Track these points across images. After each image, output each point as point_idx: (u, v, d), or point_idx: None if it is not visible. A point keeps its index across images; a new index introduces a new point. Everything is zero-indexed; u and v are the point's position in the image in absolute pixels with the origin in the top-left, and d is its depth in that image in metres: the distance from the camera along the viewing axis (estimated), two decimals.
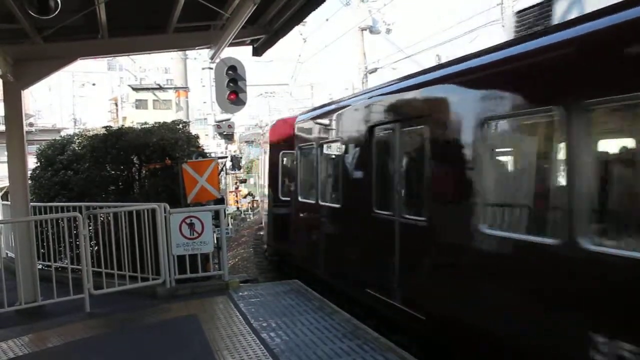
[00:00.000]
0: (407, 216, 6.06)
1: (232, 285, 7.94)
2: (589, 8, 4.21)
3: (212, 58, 9.27)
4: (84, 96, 64.99)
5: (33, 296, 7.02)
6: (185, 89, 20.55)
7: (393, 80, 7.08)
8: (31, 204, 8.16)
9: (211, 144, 20.11)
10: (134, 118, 34.79)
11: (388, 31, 20.63)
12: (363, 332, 5.78)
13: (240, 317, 6.44)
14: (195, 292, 7.66)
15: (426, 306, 5.59)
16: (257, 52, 9.25)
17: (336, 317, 6.36)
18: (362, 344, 5.38)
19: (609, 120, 4.03)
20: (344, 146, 7.73)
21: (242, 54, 10.31)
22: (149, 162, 9.06)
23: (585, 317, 3.76)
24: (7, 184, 8.09)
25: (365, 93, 7.79)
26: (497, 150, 5.03)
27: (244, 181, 31.49)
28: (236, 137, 30.40)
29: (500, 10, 15.54)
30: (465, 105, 5.13)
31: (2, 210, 10.67)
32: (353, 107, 7.75)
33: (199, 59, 22.01)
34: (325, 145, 8.77)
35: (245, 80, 10.15)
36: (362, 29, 20.42)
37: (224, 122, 19.15)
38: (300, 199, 9.80)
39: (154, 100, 42.53)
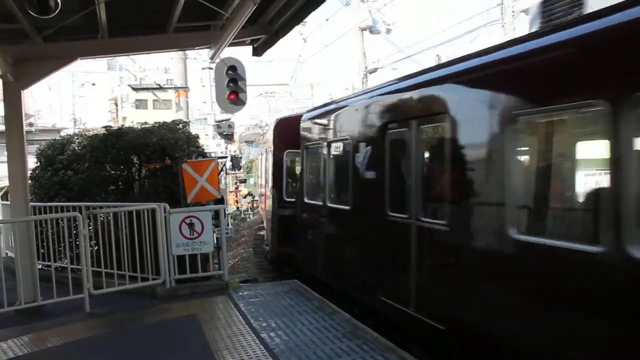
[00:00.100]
0: (425, 219, 5.64)
1: (232, 285, 7.94)
2: None
3: (212, 58, 9.27)
4: (83, 96, 64.94)
5: (33, 296, 7.02)
6: (185, 89, 20.56)
7: (409, 75, 6.67)
8: (31, 203, 8.17)
9: (211, 144, 20.12)
10: (134, 118, 34.77)
11: (388, 31, 20.67)
12: (363, 332, 5.79)
13: (240, 317, 6.44)
14: (195, 292, 7.66)
15: (447, 316, 5.19)
16: (257, 52, 9.26)
17: (336, 317, 6.36)
18: (362, 343, 5.37)
19: None
20: (354, 145, 7.29)
21: (242, 54, 10.33)
22: (148, 162, 9.06)
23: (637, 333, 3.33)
24: (7, 184, 8.08)
25: (377, 89, 7.32)
26: (528, 148, 4.66)
27: (243, 181, 31.50)
28: (236, 137, 30.41)
29: (500, 10, 15.53)
30: (492, 100, 4.73)
31: (2, 210, 10.67)
32: (365, 103, 7.32)
33: (199, 59, 22.03)
34: (333, 144, 8.34)
35: (245, 80, 10.15)
36: (362, 29, 20.44)
37: (224, 122, 19.16)
38: (306, 200, 9.37)
39: (154, 100, 42.51)
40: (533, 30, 5.18)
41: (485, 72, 4.97)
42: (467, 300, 4.90)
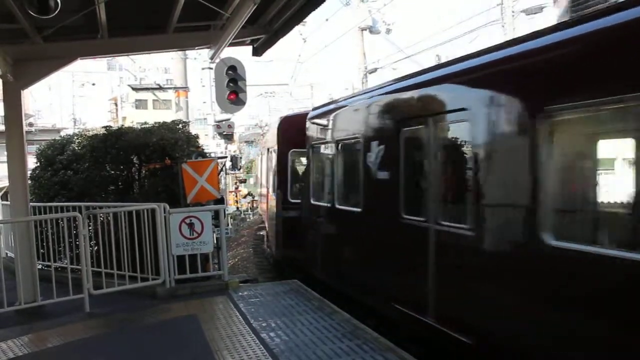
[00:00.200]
0: (446, 223, 5.26)
1: (231, 285, 7.94)
2: None
3: (212, 58, 9.27)
4: (83, 96, 64.93)
5: (33, 296, 7.02)
6: (185, 89, 20.57)
7: (426, 69, 6.34)
8: (31, 204, 8.17)
9: (211, 144, 20.13)
10: (134, 118, 34.79)
11: (388, 31, 20.70)
12: (362, 332, 5.78)
13: (240, 317, 6.44)
14: (195, 292, 7.66)
15: (473, 329, 4.78)
16: (257, 52, 9.26)
17: (336, 317, 6.36)
18: (362, 343, 5.37)
19: None
20: (365, 143, 6.90)
21: (242, 54, 10.33)
22: (148, 162, 9.06)
23: None
24: (7, 184, 8.08)
25: (390, 84, 6.93)
26: (564, 145, 4.21)
27: (243, 181, 31.52)
28: (236, 137, 30.43)
29: (500, 10, 15.54)
30: (525, 93, 4.33)
31: (1, 210, 10.66)
32: (377, 100, 6.93)
33: (199, 59, 22.04)
34: (343, 143, 7.93)
35: (245, 80, 10.14)
36: (362, 29, 20.46)
37: (223, 122, 19.18)
38: (313, 201, 8.99)
39: (153, 100, 42.53)
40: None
41: (514, 64, 4.60)
42: (495, 312, 4.54)
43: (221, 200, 8.77)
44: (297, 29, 18.95)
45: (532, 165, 4.15)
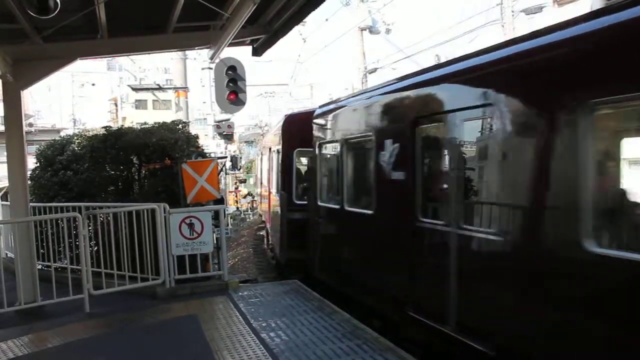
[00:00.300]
0: (469, 227, 4.90)
1: (231, 285, 7.94)
2: None
3: (211, 58, 9.27)
4: (83, 96, 64.97)
5: (33, 296, 7.01)
6: (185, 89, 20.58)
7: (444, 63, 5.92)
8: (31, 204, 8.17)
9: (211, 144, 20.18)
10: (134, 118, 34.82)
11: (388, 31, 20.70)
12: (362, 332, 5.79)
13: (239, 317, 6.43)
14: (195, 292, 7.66)
15: (497, 339, 4.47)
16: (257, 52, 9.26)
17: (336, 317, 6.36)
18: (362, 343, 5.37)
19: None
20: (378, 141, 6.54)
21: (242, 53, 10.32)
22: (148, 162, 9.06)
23: None
24: (7, 184, 8.08)
25: (404, 79, 6.57)
26: (613, 143, 3.81)
27: (243, 181, 31.53)
28: (236, 137, 30.47)
29: (500, 10, 15.55)
30: (559, 86, 3.96)
31: (1, 211, 10.66)
32: (391, 96, 6.60)
33: (199, 59, 22.09)
34: (352, 141, 7.57)
35: (244, 80, 10.13)
36: (362, 29, 20.47)
37: (223, 122, 19.20)
38: (320, 203, 8.59)
39: (153, 101, 42.52)
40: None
41: (550, 54, 4.19)
42: (524, 323, 4.22)
43: (221, 201, 8.77)
44: (297, 29, 19.01)
45: (573, 165, 3.76)
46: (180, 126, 9.81)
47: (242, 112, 12.73)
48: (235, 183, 30.60)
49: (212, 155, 11.44)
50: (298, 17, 7.81)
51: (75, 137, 10.29)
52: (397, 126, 6.26)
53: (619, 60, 3.55)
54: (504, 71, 4.69)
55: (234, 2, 6.78)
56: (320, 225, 8.74)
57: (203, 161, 8.56)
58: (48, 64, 7.65)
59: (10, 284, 6.87)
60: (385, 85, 7.09)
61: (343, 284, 7.73)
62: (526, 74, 4.39)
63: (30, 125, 40.05)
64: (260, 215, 20.21)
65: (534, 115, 4.22)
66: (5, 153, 7.37)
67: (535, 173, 4.20)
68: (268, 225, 14.59)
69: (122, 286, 7.46)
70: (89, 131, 10.68)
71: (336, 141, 8.13)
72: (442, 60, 12.04)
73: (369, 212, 6.80)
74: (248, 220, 27.02)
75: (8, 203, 8.76)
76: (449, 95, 5.36)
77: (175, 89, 21.04)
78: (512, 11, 15.54)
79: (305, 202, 9.62)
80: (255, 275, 12.74)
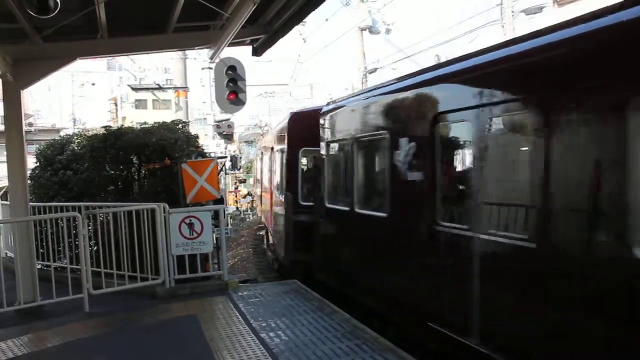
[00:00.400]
0: (496, 233, 4.52)
1: (231, 285, 7.94)
2: None
3: (211, 58, 9.27)
4: (83, 96, 64.95)
5: (32, 296, 7.01)
6: (185, 89, 20.57)
7: (471, 53, 5.33)
8: (30, 203, 8.17)
9: (211, 144, 20.19)
10: (134, 118, 34.78)
11: (388, 31, 20.71)
12: (362, 332, 5.78)
13: (239, 317, 6.44)
14: (195, 292, 7.66)
15: (525, 352, 4.19)
16: (257, 52, 9.26)
17: (335, 317, 6.36)
18: (362, 343, 5.37)
19: None
20: (392, 140, 6.18)
21: (242, 54, 10.32)
22: (148, 162, 9.06)
23: None
24: (7, 184, 8.08)
25: (422, 74, 6.19)
26: None
27: (243, 181, 31.55)
28: (236, 137, 30.49)
29: (500, 10, 15.56)
30: (617, 78, 3.55)
31: (1, 210, 10.66)
32: (407, 91, 6.20)
33: (199, 58, 22.12)
34: (364, 140, 7.19)
35: (244, 80, 10.12)
36: (362, 29, 20.48)
37: (223, 122, 19.22)
38: (328, 204, 8.24)
39: (153, 100, 42.55)
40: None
41: (603, 37, 3.75)
42: (557, 338, 3.88)
43: (221, 200, 8.77)
44: (297, 29, 19.00)
45: (621, 165, 3.43)
46: (180, 126, 9.81)
47: (242, 112, 12.73)
48: (235, 183, 30.63)
49: (212, 155, 11.43)
50: (298, 17, 7.81)
51: (75, 137, 10.30)
52: (414, 123, 5.88)
53: None
54: (540, 62, 4.17)
55: (234, 2, 6.78)
56: (327, 228, 8.44)
57: (203, 161, 8.56)
58: (48, 63, 7.65)
59: (9, 284, 6.87)
60: (401, 80, 6.68)
61: (349, 287, 7.55)
62: (571, 64, 3.87)
63: (30, 124, 40.08)
64: (260, 216, 20.20)
65: (574, 112, 3.82)
66: (5, 153, 7.37)
67: (580, 173, 3.76)
68: (270, 227, 14.50)
69: (122, 286, 7.46)
70: (88, 131, 10.67)
71: (346, 140, 7.75)
72: (442, 60, 11.98)
73: (383, 214, 6.43)
74: (248, 220, 27.05)
75: (8, 202, 8.76)
76: (478, 88, 4.87)
77: (175, 88, 21.04)
78: (512, 11, 15.55)
79: (312, 204, 9.31)
80: (255, 275, 12.75)
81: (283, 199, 10.67)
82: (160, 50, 10.10)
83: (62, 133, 26.53)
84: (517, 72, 4.47)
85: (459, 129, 5.27)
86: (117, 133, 9.34)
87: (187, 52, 19.70)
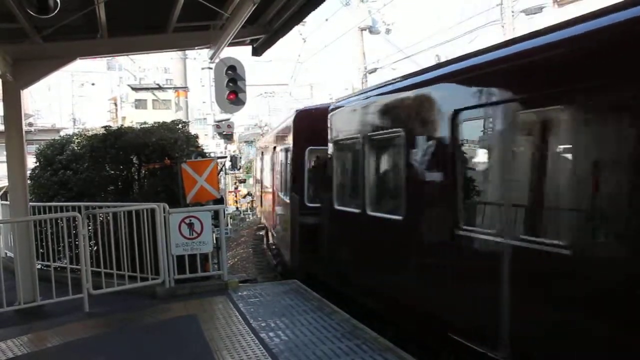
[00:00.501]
0: (528, 238, 4.15)
1: (231, 285, 7.94)
2: None
3: (211, 58, 9.27)
4: (83, 96, 64.93)
5: (32, 296, 7.01)
6: (185, 88, 20.57)
7: (495, 45, 4.99)
8: (30, 203, 8.17)
9: (210, 143, 20.20)
10: (134, 118, 34.77)
11: (388, 31, 20.72)
12: (362, 332, 5.78)
13: (239, 317, 6.43)
14: (195, 292, 7.66)
15: None
16: (257, 52, 9.26)
17: (335, 317, 6.36)
18: (361, 343, 5.37)
19: None
20: (408, 138, 5.83)
21: (242, 53, 10.32)
22: (148, 162, 9.06)
23: None
24: (7, 184, 8.08)
25: (442, 67, 5.86)
26: None
27: (243, 181, 31.55)
28: (235, 137, 30.49)
29: (500, 10, 15.56)
30: None
31: (1, 210, 10.66)
32: (425, 86, 5.84)
33: (199, 58, 22.11)
34: (376, 138, 6.83)
35: (244, 80, 10.12)
36: (362, 29, 20.48)
37: (223, 122, 19.22)
38: (337, 206, 7.94)
39: (153, 100, 42.57)
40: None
41: None
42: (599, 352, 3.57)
43: (221, 200, 8.77)
44: (297, 29, 19.00)
45: None
46: (180, 126, 9.82)
47: (242, 112, 12.72)
48: (235, 183, 30.63)
49: (212, 155, 11.43)
50: (298, 17, 7.81)
51: (75, 137, 10.30)
52: (431, 120, 5.47)
53: None
54: (574, 52, 3.85)
55: (233, 2, 6.78)
56: (336, 231, 8.16)
57: (203, 161, 8.56)
58: (48, 63, 7.65)
59: (9, 284, 6.87)
60: (416, 75, 6.31)
61: (356, 291, 7.32)
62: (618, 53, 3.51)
63: (30, 124, 40.08)
64: (259, 217, 20.18)
65: (623, 107, 3.48)
66: (5, 152, 7.37)
67: (623, 175, 3.43)
68: (271, 230, 14.32)
69: (122, 286, 7.46)
70: (88, 131, 10.67)
71: (356, 138, 7.35)
72: (442, 60, 11.96)
73: (398, 217, 6.05)
74: (247, 220, 27.04)
75: (8, 202, 8.76)
76: (503, 83, 4.57)
77: (175, 88, 21.04)
78: (512, 11, 15.55)
79: (319, 205, 8.99)
80: (255, 275, 12.75)
81: (288, 200, 10.38)
82: (160, 50, 10.11)
83: (62, 133, 26.57)
84: (558, 64, 4.03)
85: (484, 126, 4.89)
86: (117, 133, 9.34)
87: (187, 52, 19.70)
